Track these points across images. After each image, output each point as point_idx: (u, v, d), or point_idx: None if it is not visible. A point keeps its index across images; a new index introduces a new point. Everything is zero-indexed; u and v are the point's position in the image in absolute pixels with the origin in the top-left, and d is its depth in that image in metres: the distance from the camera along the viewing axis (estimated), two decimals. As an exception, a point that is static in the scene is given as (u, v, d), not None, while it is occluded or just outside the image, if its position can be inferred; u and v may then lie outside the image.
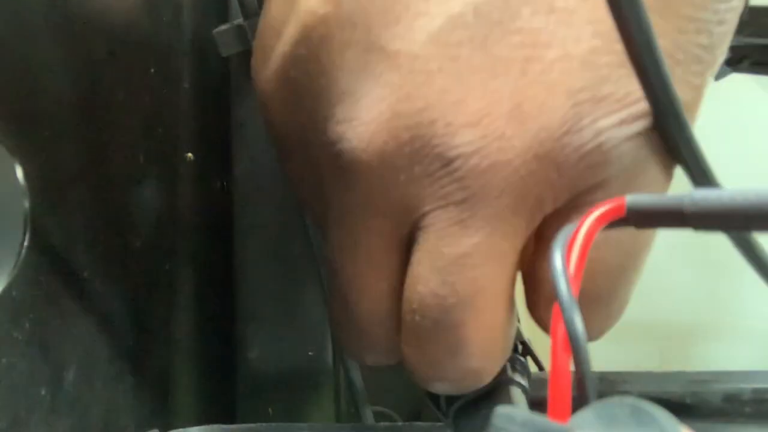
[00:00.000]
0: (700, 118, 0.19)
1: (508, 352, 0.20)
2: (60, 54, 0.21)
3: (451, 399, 0.23)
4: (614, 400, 0.13)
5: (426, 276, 0.18)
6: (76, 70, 0.21)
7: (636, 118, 0.17)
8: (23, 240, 0.18)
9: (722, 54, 0.19)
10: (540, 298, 0.20)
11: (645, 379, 0.25)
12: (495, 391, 0.22)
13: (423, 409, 0.36)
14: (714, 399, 0.24)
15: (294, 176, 0.22)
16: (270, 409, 0.32)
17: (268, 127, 0.22)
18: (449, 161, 0.17)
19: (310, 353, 0.32)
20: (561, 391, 0.14)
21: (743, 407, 0.24)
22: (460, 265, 0.18)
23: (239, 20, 0.27)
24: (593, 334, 0.20)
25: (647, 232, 0.19)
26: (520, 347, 0.24)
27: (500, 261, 0.18)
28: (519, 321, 0.24)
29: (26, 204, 0.19)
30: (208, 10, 0.31)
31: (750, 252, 0.21)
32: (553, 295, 0.14)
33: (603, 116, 0.17)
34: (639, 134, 0.17)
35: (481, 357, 0.19)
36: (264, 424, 0.26)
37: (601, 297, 0.19)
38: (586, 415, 0.13)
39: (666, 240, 0.18)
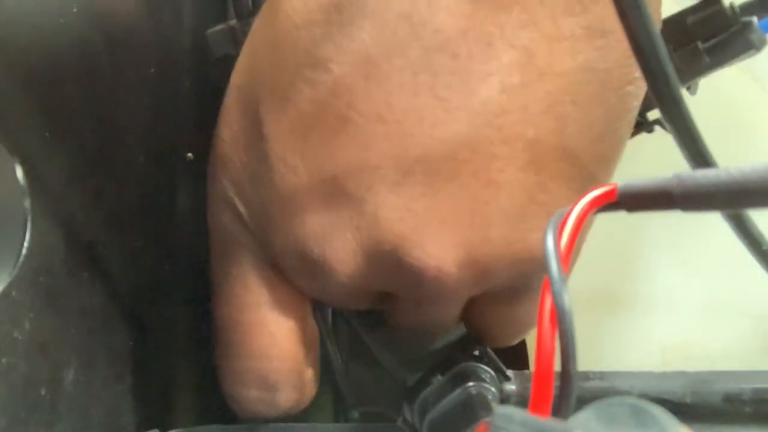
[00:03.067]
0: (699, 119, 0.19)
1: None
2: (60, 54, 0.21)
3: (423, 411, 0.24)
4: (614, 400, 0.13)
5: (408, 323, 0.25)
6: (76, 70, 0.21)
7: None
8: (23, 240, 0.18)
9: None
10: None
11: (645, 379, 0.25)
12: (467, 401, 0.23)
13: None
14: (714, 399, 0.24)
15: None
16: (270, 409, 0.32)
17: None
18: (413, 284, 0.22)
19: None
20: (545, 364, 0.14)
21: (743, 407, 0.24)
22: (429, 327, 0.25)
23: (233, 21, 0.27)
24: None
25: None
26: (484, 358, 0.24)
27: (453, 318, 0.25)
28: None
29: (26, 204, 0.19)
30: (208, 10, 0.31)
31: (744, 232, 0.21)
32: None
33: (528, 259, 0.21)
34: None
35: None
36: (264, 424, 0.26)
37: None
38: (586, 415, 0.13)
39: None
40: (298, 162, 0.21)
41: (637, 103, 0.22)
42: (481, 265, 0.21)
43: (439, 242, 0.21)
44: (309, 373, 0.26)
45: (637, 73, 0.18)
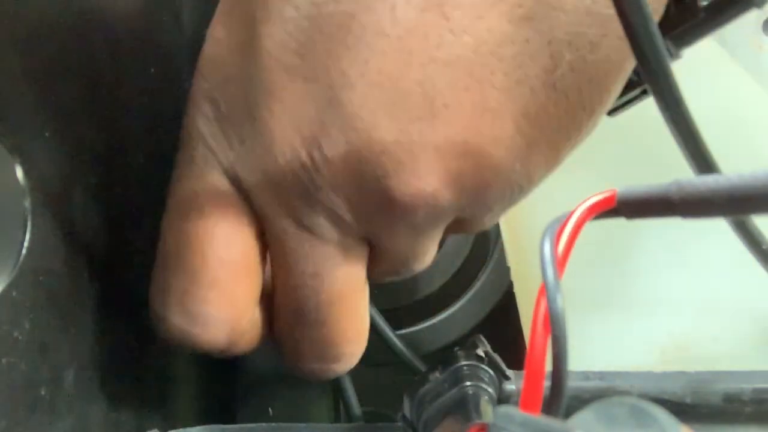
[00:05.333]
0: (700, 119, 0.19)
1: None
2: (60, 54, 0.21)
3: (420, 408, 0.24)
4: (614, 400, 0.13)
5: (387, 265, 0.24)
6: (77, 70, 0.21)
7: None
8: (23, 240, 0.18)
9: None
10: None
11: (645, 379, 0.25)
12: (462, 401, 0.23)
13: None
14: (714, 399, 0.24)
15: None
16: (270, 409, 0.32)
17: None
18: (401, 213, 0.21)
19: (310, 353, 0.31)
20: (536, 366, 0.14)
21: (743, 407, 0.24)
22: (407, 266, 0.25)
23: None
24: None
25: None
26: (485, 358, 0.24)
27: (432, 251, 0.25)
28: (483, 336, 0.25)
29: (26, 204, 0.19)
30: (208, 10, 0.31)
31: (744, 231, 0.21)
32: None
33: (518, 189, 0.22)
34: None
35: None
36: (264, 424, 0.26)
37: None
38: (586, 415, 0.13)
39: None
40: (292, 64, 0.20)
41: (631, 62, 0.21)
42: (475, 194, 0.21)
43: (432, 170, 0.20)
44: (245, 321, 0.23)
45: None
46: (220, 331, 0.22)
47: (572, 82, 0.20)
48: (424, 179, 0.20)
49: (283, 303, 0.23)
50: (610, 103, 0.22)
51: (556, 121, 0.21)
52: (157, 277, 0.23)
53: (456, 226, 0.24)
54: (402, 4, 0.19)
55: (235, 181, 0.22)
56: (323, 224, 0.22)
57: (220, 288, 0.22)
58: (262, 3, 0.21)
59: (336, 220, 0.21)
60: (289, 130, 0.20)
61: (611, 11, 0.19)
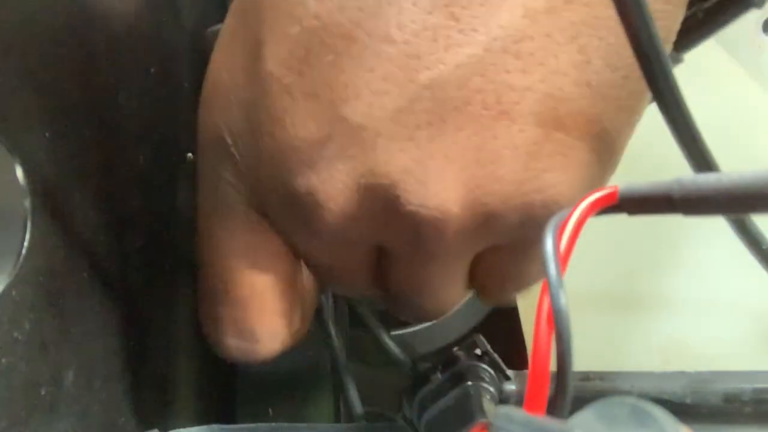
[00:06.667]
0: (699, 119, 0.19)
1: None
2: (60, 54, 0.21)
3: (421, 408, 0.24)
4: (614, 400, 0.13)
5: (400, 286, 0.23)
6: (76, 70, 0.21)
7: (558, 204, 0.20)
8: (23, 240, 0.18)
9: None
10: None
11: (645, 379, 0.25)
12: (464, 401, 0.23)
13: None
14: (714, 399, 0.24)
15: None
16: (270, 409, 0.32)
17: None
18: (412, 226, 0.20)
19: (309, 353, 0.32)
20: (541, 364, 0.14)
21: (743, 407, 0.24)
22: (429, 301, 0.24)
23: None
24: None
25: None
26: (486, 357, 0.24)
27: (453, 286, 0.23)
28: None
29: (26, 204, 0.19)
30: (208, 10, 0.31)
31: (744, 231, 0.21)
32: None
33: (540, 204, 0.20)
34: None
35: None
36: (264, 424, 0.26)
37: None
38: (586, 415, 0.13)
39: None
40: (294, 83, 0.20)
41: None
42: (487, 208, 0.20)
43: (441, 178, 0.19)
44: (294, 327, 0.25)
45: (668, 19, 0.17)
46: (276, 343, 0.24)
47: (606, 79, 0.19)
48: (431, 190, 0.19)
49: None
50: (644, 104, 0.21)
51: (592, 123, 0.19)
52: (206, 309, 0.24)
53: (498, 260, 0.22)
54: (408, 8, 0.19)
55: (259, 208, 0.22)
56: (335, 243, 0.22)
57: (269, 309, 0.23)
58: (266, 23, 0.20)
59: (352, 239, 0.22)
60: (288, 158, 0.20)
61: None
